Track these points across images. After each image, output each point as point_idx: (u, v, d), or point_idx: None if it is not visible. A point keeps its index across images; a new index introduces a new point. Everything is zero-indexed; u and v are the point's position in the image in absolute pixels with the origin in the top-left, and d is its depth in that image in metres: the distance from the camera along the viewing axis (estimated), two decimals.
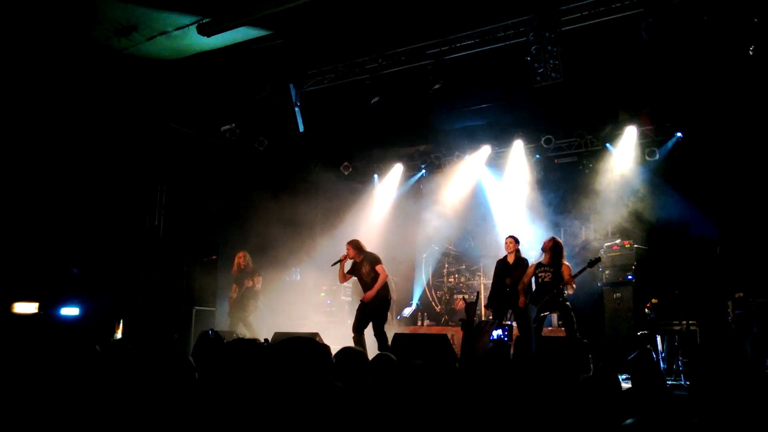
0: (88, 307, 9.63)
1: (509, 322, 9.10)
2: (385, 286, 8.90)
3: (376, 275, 8.77)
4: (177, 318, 10.85)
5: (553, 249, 8.56)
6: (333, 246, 11.98)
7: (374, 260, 8.88)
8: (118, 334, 9.91)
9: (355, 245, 8.98)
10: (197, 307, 11.04)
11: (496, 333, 8.80)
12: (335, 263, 8.99)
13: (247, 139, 12.38)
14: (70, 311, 9.45)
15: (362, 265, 8.89)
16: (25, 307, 8.98)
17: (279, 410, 1.78)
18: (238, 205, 12.42)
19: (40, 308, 9.06)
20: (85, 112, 9.94)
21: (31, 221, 9.40)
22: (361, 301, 8.83)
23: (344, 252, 9.04)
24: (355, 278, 9.13)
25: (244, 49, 10.08)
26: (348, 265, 9.09)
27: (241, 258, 10.74)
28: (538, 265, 8.66)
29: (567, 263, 8.54)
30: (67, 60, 9.39)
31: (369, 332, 8.70)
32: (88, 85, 9.84)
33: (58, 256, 9.68)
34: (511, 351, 9.49)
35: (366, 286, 8.86)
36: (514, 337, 9.84)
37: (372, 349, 7.67)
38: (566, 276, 8.26)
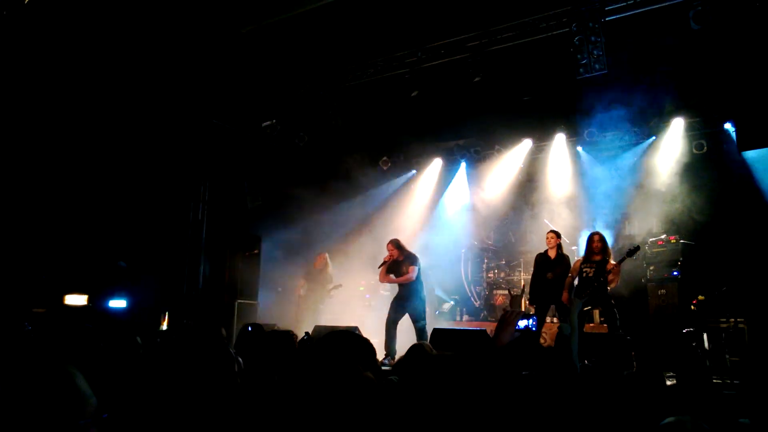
0: (135, 300, 9.90)
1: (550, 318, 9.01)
2: (420, 283, 8.93)
3: (418, 276, 8.87)
4: (220, 311, 11.06)
5: (603, 247, 8.41)
6: (371, 240, 12.04)
7: (411, 260, 8.92)
8: (164, 326, 10.15)
9: (396, 244, 9.03)
10: (240, 300, 11.22)
11: (523, 323, 8.72)
12: (382, 265, 9.03)
13: (287, 135, 12.48)
14: (118, 303, 9.73)
15: (402, 265, 8.91)
16: (76, 299, 9.28)
17: (317, 401, 1.80)
18: (278, 200, 12.55)
19: (89, 300, 9.34)
20: (133, 109, 10.18)
21: (82, 216, 9.68)
22: (399, 298, 8.87)
23: (382, 249, 9.12)
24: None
25: (285, 45, 10.16)
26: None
27: (323, 259, 11.01)
28: (586, 260, 8.49)
29: (614, 262, 8.38)
30: (115, 59, 9.61)
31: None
32: (134, 85, 10.06)
33: (107, 250, 9.95)
34: (543, 343, 9.41)
35: (403, 284, 8.91)
36: (549, 330, 9.75)
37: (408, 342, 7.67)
38: (613, 276, 8.11)
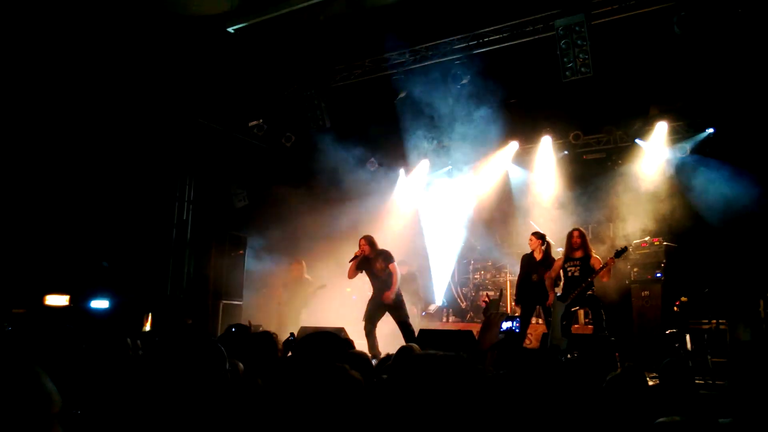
0: (118, 300, 9.79)
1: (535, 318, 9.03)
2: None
3: (390, 273, 8.68)
4: (205, 311, 10.99)
5: (582, 243, 8.35)
6: (356, 240, 12.00)
7: (388, 257, 8.77)
8: (147, 327, 10.06)
9: (369, 240, 8.85)
10: (224, 301, 11.16)
11: (506, 324, 8.74)
12: (352, 259, 8.87)
13: (274, 135, 12.43)
14: (100, 304, 9.62)
15: (375, 261, 8.77)
16: (57, 300, 9.16)
17: (299, 400, 1.79)
18: (265, 201, 12.51)
19: (71, 301, 9.23)
20: (117, 108, 10.09)
21: (63, 215, 9.57)
22: (376, 298, 8.76)
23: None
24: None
25: (272, 45, 10.14)
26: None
27: (298, 267, 10.94)
28: (567, 258, 8.44)
29: (596, 256, 8.37)
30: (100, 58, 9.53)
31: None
32: (118, 83, 9.98)
33: (90, 250, 9.85)
34: (529, 344, 9.43)
35: (378, 281, 8.74)
36: (534, 331, 9.79)
37: (395, 341, 7.66)
38: (597, 267, 8.10)
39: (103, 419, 2.73)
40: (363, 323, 8.64)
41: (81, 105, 9.63)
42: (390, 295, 8.54)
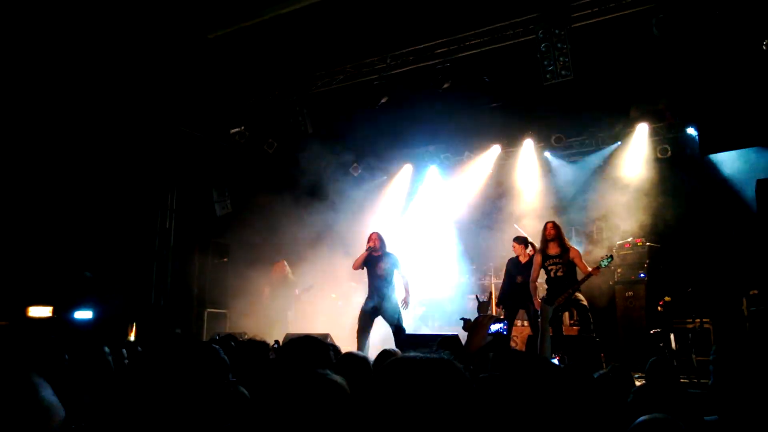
0: (102, 310, 9.68)
1: (520, 322, 9.04)
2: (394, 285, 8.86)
3: (392, 276, 8.70)
4: (189, 320, 10.91)
5: (558, 236, 8.22)
6: (341, 247, 11.97)
7: (396, 263, 8.76)
8: (131, 337, 9.96)
9: (380, 236, 8.83)
10: (209, 309, 11.08)
11: (495, 327, 8.75)
12: (366, 251, 8.74)
13: (256, 141, 12.38)
14: (83, 314, 9.51)
15: (380, 260, 8.73)
16: (40, 311, 9.04)
17: (283, 407, 1.77)
18: (248, 208, 12.44)
19: (54, 312, 9.12)
20: (97, 116, 10.00)
21: (45, 226, 9.46)
22: (371, 298, 8.71)
23: (353, 257, 8.99)
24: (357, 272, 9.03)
25: (253, 51, 10.11)
26: None
27: (281, 267, 10.90)
28: (545, 256, 8.29)
29: (574, 247, 8.29)
30: (80, 66, 9.44)
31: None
32: (99, 92, 9.89)
33: (72, 260, 9.73)
34: (515, 346, 9.44)
35: (378, 280, 8.68)
36: (520, 333, 9.81)
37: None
38: (579, 262, 8.01)
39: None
40: (356, 328, 8.61)
41: (62, 113, 9.53)
42: (407, 300, 8.65)
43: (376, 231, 8.98)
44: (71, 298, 9.46)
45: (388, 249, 8.92)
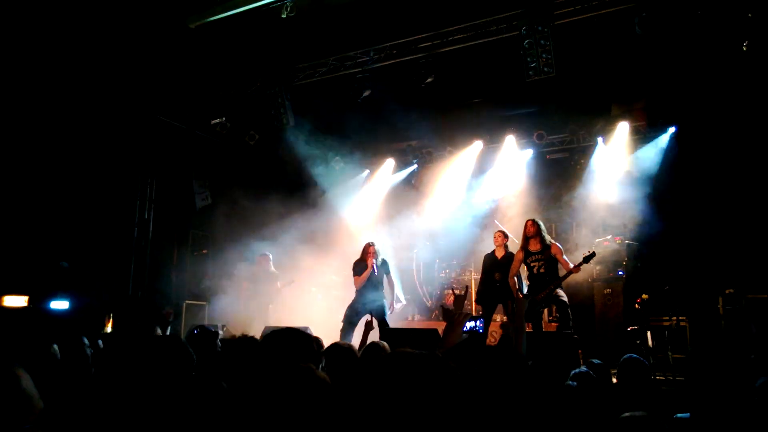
0: (78, 301, 9.58)
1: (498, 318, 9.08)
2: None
3: (383, 280, 8.84)
4: (168, 312, 10.81)
5: (538, 233, 8.24)
6: (322, 240, 11.92)
7: (388, 268, 8.89)
8: (108, 328, 9.87)
9: (376, 248, 8.89)
10: (188, 301, 11.00)
11: (470, 324, 8.79)
12: (368, 269, 8.77)
13: (237, 133, 12.28)
14: (59, 305, 9.40)
15: (376, 269, 8.81)
16: (15, 300, 8.93)
17: (265, 402, 1.75)
18: (228, 199, 12.34)
19: (29, 301, 9.00)
20: (74, 106, 9.86)
21: (21, 215, 9.32)
22: (365, 305, 8.71)
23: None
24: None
25: (235, 41, 10.01)
26: None
27: (265, 260, 10.82)
28: (527, 253, 8.33)
29: (555, 243, 8.32)
30: (58, 54, 9.29)
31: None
32: (77, 81, 9.75)
33: (48, 250, 9.61)
34: (493, 342, 9.49)
35: (371, 285, 8.74)
36: (494, 330, 9.85)
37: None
38: (561, 258, 8.04)
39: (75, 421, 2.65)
40: (337, 319, 8.65)
41: (38, 102, 9.38)
42: (395, 305, 8.89)
43: (371, 243, 8.95)
44: (47, 288, 9.35)
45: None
